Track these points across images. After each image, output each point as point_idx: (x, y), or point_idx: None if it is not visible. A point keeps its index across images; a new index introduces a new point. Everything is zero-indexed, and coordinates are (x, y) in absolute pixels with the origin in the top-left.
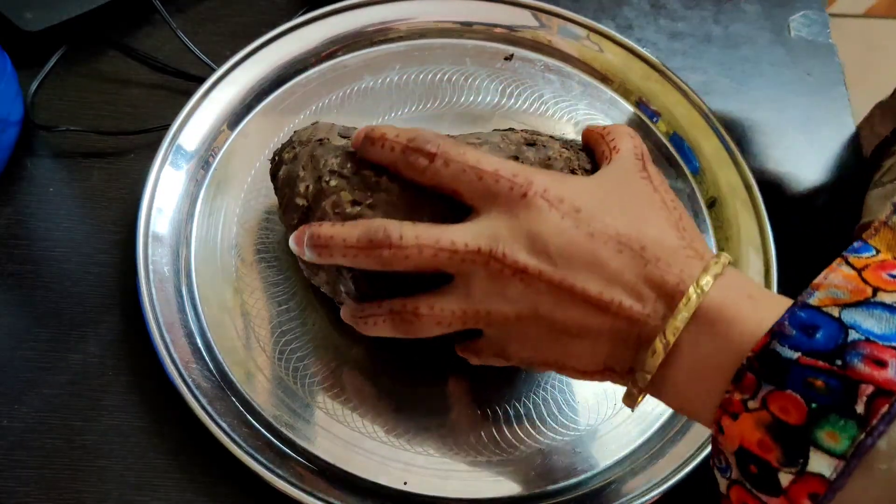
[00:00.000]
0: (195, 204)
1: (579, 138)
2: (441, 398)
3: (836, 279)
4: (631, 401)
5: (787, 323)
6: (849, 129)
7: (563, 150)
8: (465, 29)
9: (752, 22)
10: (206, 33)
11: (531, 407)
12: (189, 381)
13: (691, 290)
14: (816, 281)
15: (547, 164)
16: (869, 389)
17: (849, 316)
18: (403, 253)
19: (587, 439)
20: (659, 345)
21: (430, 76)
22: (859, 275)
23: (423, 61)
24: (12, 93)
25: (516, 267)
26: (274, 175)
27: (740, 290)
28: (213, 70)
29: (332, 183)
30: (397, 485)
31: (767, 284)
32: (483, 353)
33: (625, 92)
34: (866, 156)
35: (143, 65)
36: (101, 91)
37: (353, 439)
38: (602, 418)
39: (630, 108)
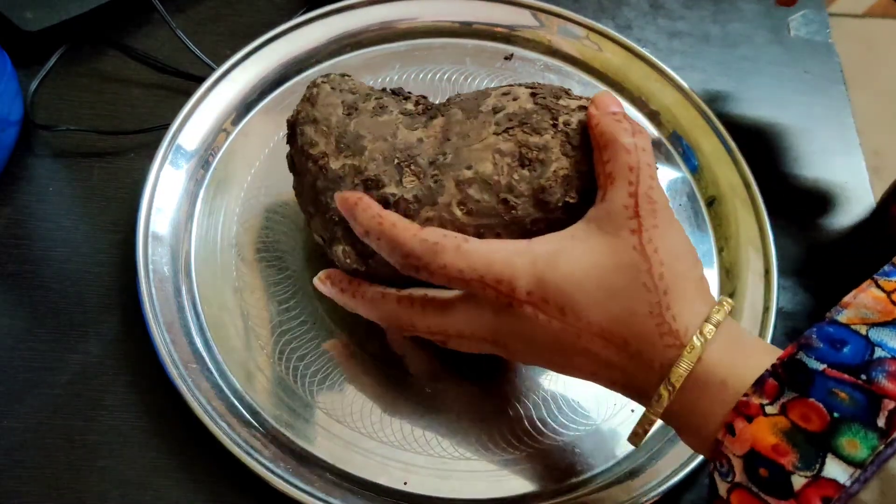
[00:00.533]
0: (195, 203)
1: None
2: (441, 399)
3: (865, 300)
4: (637, 440)
5: (814, 336)
6: (849, 128)
7: (563, 157)
8: (465, 29)
9: (751, 21)
10: (206, 33)
11: (531, 407)
12: (189, 381)
13: (661, 389)
14: (846, 299)
15: (540, 196)
16: (891, 405)
17: (876, 334)
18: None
19: (587, 439)
20: (664, 392)
21: (430, 76)
22: (888, 297)
23: (423, 61)
24: (12, 92)
25: (518, 353)
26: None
27: (722, 360)
28: (212, 70)
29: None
30: (397, 485)
31: (767, 284)
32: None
33: (625, 92)
34: None
35: (143, 64)
36: (101, 91)
37: (353, 439)
38: (602, 418)
39: (630, 108)
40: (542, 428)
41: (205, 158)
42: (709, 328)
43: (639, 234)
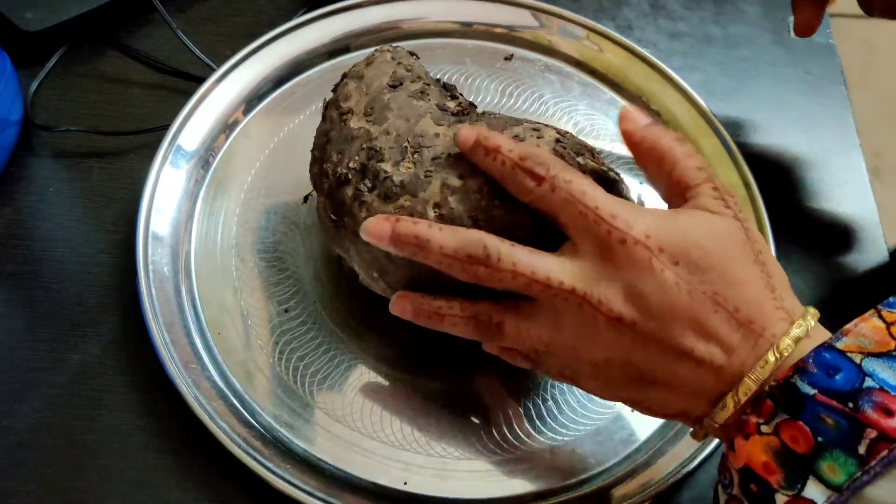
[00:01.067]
0: (195, 204)
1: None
2: (441, 399)
3: (865, 329)
4: (698, 438)
5: (811, 361)
6: (849, 128)
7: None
8: (465, 29)
9: (752, 22)
10: (206, 33)
11: (531, 407)
12: (189, 380)
13: (770, 354)
14: (847, 327)
15: (508, 231)
16: (873, 434)
17: (869, 364)
18: (498, 276)
19: (587, 439)
20: (730, 401)
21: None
22: (888, 328)
23: (422, 61)
24: (12, 93)
25: (611, 315)
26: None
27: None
28: (213, 70)
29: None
30: (397, 485)
31: None
32: (545, 371)
33: (625, 92)
34: None
35: (143, 65)
36: (101, 91)
37: (353, 439)
38: (602, 418)
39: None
40: (542, 428)
41: (205, 159)
42: (786, 343)
43: (739, 220)
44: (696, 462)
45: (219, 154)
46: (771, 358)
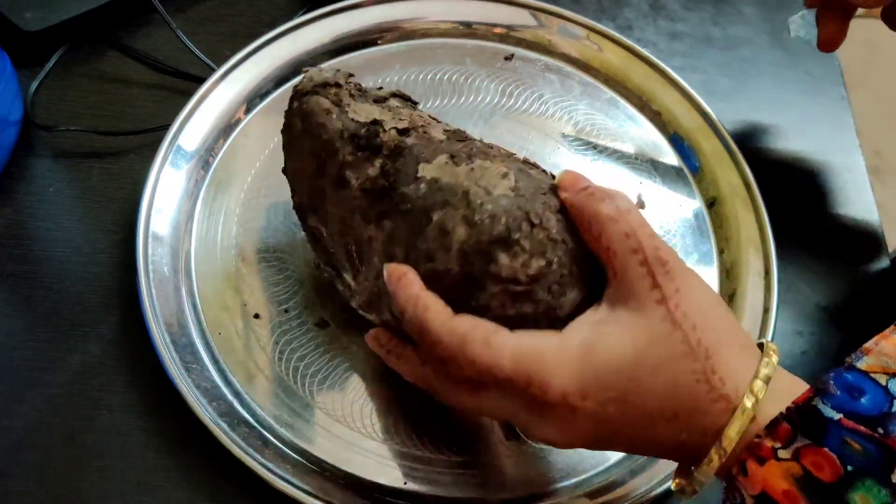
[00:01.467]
0: (195, 204)
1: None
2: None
3: (887, 347)
4: (685, 498)
5: (832, 382)
6: (848, 128)
7: (555, 239)
8: (465, 29)
9: (751, 23)
10: (205, 33)
11: None
12: (189, 381)
13: (713, 452)
14: (867, 345)
15: (515, 276)
16: None
17: None
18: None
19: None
20: (715, 456)
21: (430, 76)
22: None
23: (423, 61)
24: (12, 93)
25: (554, 441)
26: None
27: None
28: (213, 70)
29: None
30: (397, 485)
31: (767, 284)
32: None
33: (625, 92)
34: None
35: (143, 65)
36: (101, 91)
37: (353, 439)
38: None
39: (630, 108)
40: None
41: (205, 159)
42: (759, 385)
43: (664, 303)
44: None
45: (219, 154)
46: (715, 456)
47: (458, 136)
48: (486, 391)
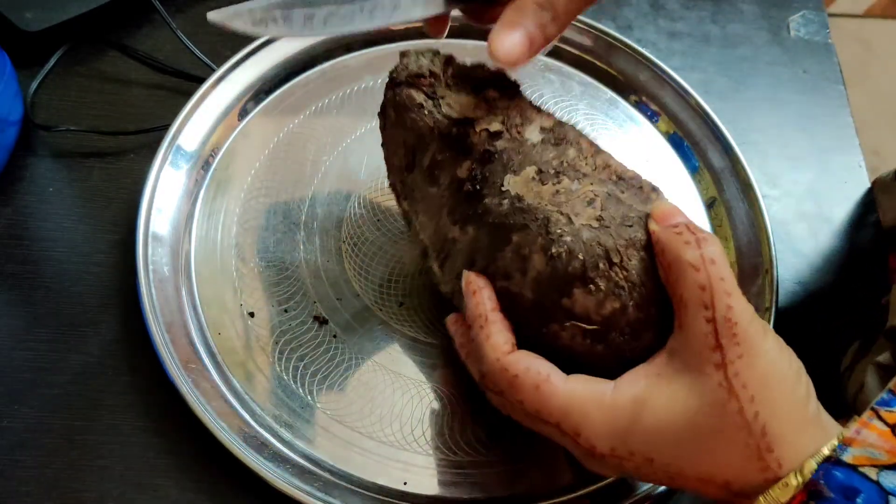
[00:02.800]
0: (195, 204)
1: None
2: (441, 399)
3: (870, 437)
4: None
5: (822, 482)
6: (847, 127)
7: (633, 281)
8: (465, 29)
9: (750, 22)
10: (205, 33)
11: None
12: (189, 380)
13: None
14: (849, 436)
15: (587, 315)
16: None
17: (887, 479)
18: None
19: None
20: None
21: None
22: (893, 432)
23: None
24: (12, 93)
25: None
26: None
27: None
28: (212, 70)
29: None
30: (397, 485)
31: (768, 284)
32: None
33: (625, 92)
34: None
35: (143, 65)
36: (101, 91)
37: (353, 439)
38: None
39: (630, 108)
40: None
41: (205, 159)
42: (812, 465)
43: (723, 368)
44: None
45: (219, 154)
46: None
47: (557, 137)
48: (540, 424)
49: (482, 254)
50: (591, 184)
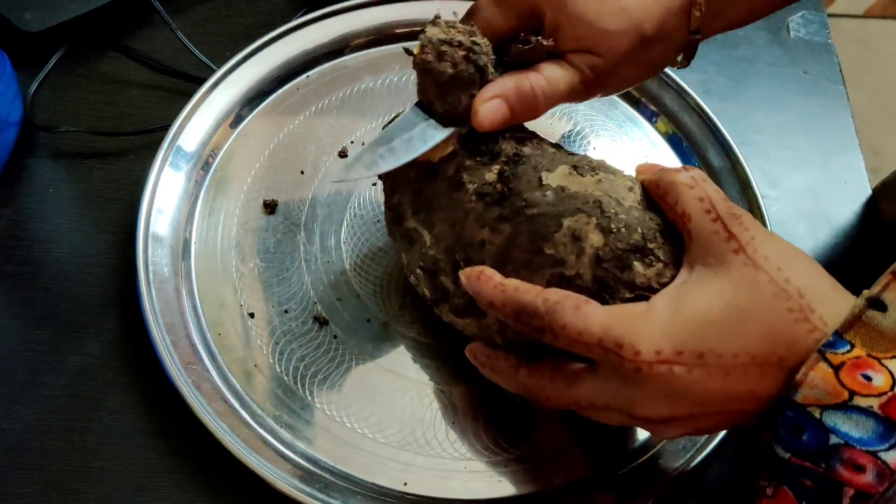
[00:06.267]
0: (195, 205)
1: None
2: (441, 399)
3: (816, 379)
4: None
5: (778, 422)
6: (848, 128)
7: (652, 244)
8: None
9: None
10: (205, 34)
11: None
12: (189, 381)
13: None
14: (798, 377)
15: (649, 285)
16: (851, 492)
17: (829, 419)
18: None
19: (588, 440)
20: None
21: None
22: (836, 375)
23: None
24: (12, 93)
25: (662, 419)
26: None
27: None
28: (212, 71)
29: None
30: (397, 485)
31: None
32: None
33: (624, 92)
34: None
35: (143, 66)
36: (101, 92)
37: (353, 439)
38: None
39: (629, 109)
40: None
41: (205, 160)
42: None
43: (742, 250)
44: (695, 462)
45: (219, 154)
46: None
47: (567, 151)
48: (581, 378)
49: (523, 248)
50: (625, 176)
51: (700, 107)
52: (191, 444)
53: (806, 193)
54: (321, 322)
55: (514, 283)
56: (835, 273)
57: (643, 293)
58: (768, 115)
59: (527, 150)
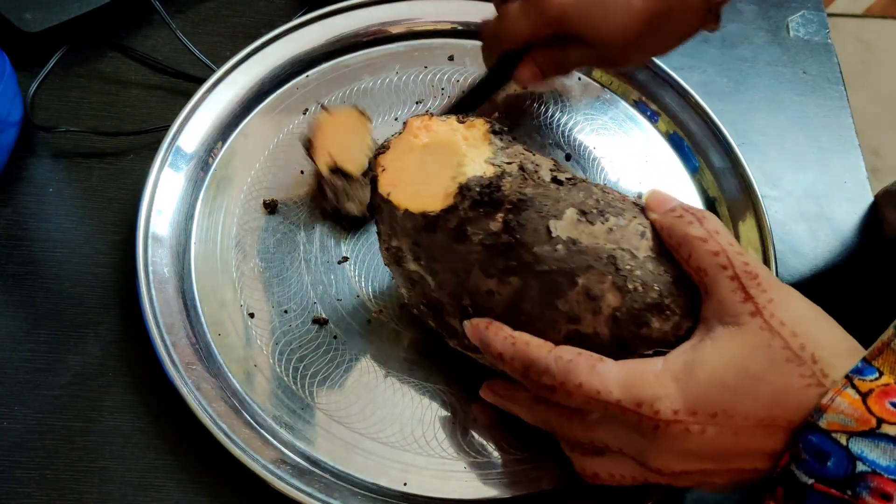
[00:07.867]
0: (195, 205)
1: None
2: (441, 399)
3: (843, 405)
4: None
5: (801, 446)
6: (847, 128)
7: (665, 304)
8: (465, 29)
9: (749, 22)
10: (205, 34)
11: None
12: (189, 381)
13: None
14: (825, 402)
15: (666, 339)
16: None
17: (856, 446)
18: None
19: None
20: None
21: (429, 76)
22: (864, 402)
23: (422, 62)
24: (12, 93)
25: (674, 472)
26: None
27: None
28: (212, 71)
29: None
30: (397, 485)
31: None
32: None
33: (625, 92)
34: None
35: (143, 65)
36: (101, 91)
37: (353, 439)
38: None
39: (630, 108)
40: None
41: (205, 160)
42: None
43: (759, 314)
44: None
45: (219, 154)
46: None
47: (565, 176)
48: (599, 424)
49: (534, 302)
50: (634, 216)
51: (700, 106)
52: (191, 444)
53: (806, 193)
54: (321, 322)
55: (525, 338)
56: (835, 273)
57: (660, 348)
58: (768, 115)
59: (529, 190)
